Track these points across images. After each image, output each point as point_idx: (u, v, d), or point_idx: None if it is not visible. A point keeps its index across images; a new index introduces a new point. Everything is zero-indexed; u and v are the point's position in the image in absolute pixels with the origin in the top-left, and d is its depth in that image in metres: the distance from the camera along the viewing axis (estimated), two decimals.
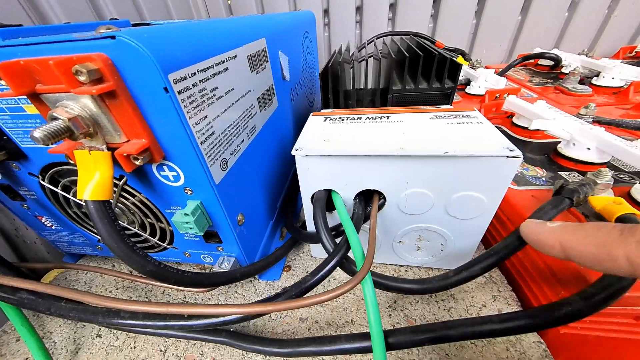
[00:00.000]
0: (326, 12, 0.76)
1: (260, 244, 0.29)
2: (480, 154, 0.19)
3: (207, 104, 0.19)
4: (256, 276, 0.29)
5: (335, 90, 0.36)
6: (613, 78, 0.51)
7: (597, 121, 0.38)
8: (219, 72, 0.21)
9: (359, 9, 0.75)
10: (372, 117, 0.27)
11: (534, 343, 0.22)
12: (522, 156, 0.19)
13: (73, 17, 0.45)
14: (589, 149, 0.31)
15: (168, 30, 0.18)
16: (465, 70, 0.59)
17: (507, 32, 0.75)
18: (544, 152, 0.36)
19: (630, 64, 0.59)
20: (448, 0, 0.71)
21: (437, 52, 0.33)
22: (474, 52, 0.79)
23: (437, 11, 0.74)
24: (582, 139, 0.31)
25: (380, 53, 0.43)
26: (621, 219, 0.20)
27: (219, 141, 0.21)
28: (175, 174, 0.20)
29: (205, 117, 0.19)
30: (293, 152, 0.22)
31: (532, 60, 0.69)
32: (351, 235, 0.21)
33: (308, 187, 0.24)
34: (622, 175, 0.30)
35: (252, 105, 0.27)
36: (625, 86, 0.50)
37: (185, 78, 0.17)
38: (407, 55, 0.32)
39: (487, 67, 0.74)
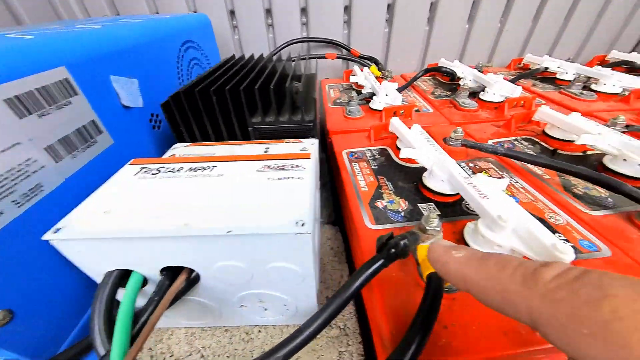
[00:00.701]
0: (232, 13, 0.69)
1: (70, 331, 0.24)
2: (264, 231, 0.17)
3: None
4: None
5: (187, 122, 0.32)
6: (494, 94, 0.55)
7: (464, 144, 0.39)
8: None
9: (269, 12, 0.70)
10: (194, 169, 0.23)
11: None
12: (311, 232, 0.17)
13: None
14: (442, 180, 0.31)
15: None
16: (371, 83, 0.59)
17: (417, 41, 0.77)
18: (414, 180, 0.36)
19: (519, 75, 0.64)
20: (358, 7, 0.70)
21: (291, 85, 0.30)
22: (389, 60, 0.80)
23: (350, 17, 0.72)
24: (436, 170, 0.32)
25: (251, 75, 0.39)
26: (429, 277, 0.20)
27: None
28: None
29: None
30: (46, 236, 0.17)
31: None
32: (118, 332, 0.16)
33: (92, 271, 0.20)
34: (470, 206, 0.31)
35: (27, 160, 0.21)
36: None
37: None
38: (257, 88, 0.29)
39: (402, 76, 0.76)
